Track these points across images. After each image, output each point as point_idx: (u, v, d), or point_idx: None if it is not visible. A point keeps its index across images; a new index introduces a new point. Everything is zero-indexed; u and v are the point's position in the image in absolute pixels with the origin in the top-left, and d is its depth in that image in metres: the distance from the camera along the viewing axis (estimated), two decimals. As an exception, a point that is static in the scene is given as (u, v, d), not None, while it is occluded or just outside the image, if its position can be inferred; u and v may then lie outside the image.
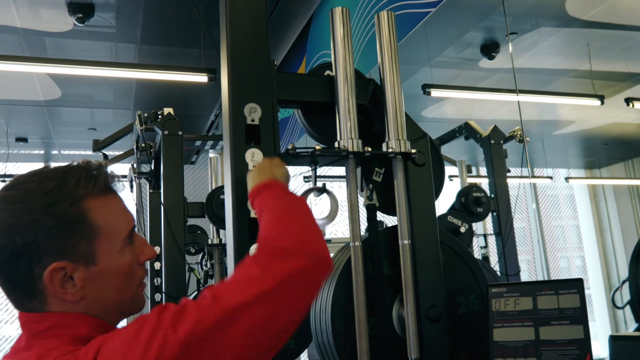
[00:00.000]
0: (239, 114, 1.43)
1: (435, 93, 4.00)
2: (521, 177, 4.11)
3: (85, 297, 0.87)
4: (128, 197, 7.13)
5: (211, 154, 6.23)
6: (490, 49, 4.15)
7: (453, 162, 4.34)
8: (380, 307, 1.52)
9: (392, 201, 1.52)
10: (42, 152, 6.75)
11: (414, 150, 1.49)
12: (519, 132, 3.59)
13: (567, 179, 6.81)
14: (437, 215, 1.69)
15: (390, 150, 1.47)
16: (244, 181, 1.39)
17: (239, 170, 1.39)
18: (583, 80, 4.64)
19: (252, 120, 1.43)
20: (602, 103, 4.28)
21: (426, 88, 3.92)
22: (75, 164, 0.91)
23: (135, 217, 1.07)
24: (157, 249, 3.90)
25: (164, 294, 2.81)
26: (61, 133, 6.06)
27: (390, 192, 1.53)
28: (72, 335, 0.85)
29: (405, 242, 1.48)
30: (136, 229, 0.98)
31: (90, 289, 0.87)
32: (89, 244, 0.87)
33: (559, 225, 7.14)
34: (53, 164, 0.93)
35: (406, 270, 1.48)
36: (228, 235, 1.41)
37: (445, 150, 4.16)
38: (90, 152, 6.69)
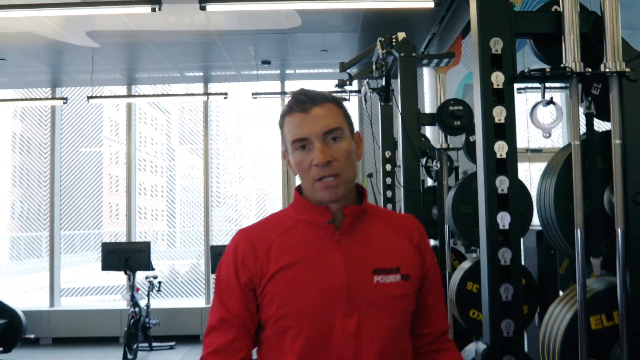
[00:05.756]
0: (486, 46, 1.94)
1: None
2: None
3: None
4: (355, 108, 8.00)
5: (425, 70, 6.74)
6: None
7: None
8: (594, 192, 1.98)
9: (607, 110, 1.93)
10: (278, 72, 7.82)
11: (628, 69, 1.87)
12: None
13: None
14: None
15: (607, 70, 1.87)
16: (491, 95, 1.92)
17: (487, 88, 1.92)
18: None
19: (496, 51, 1.93)
20: None
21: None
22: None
23: (333, 125, 1.35)
24: (387, 153, 4.62)
25: (402, 188, 3.48)
26: (297, 55, 6.98)
27: (606, 102, 1.94)
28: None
29: (617, 141, 1.90)
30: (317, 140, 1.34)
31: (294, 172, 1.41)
32: (286, 143, 1.39)
33: None
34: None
35: (617, 164, 1.91)
36: (478, 137, 1.97)
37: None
38: (320, 70, 7.63)
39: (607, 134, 1.96)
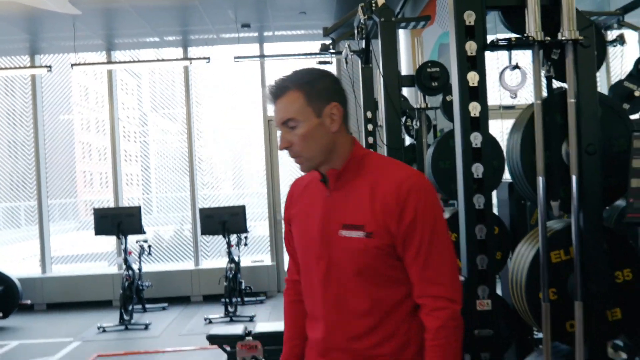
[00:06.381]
0: (461, 18, 2.20)
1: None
2: None
3: None
4: (335, 69, 8.11)
5: (400, 32, 6.93)
6: None
7: (637, 29, 4.58)
8: (554, 145, 2.28)
9: (564, 73, 2.22)
10: (256, 34, 7.94)
11: (581, 37, 2.16)
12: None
13: None
14: (616, 81, 2.31)
15: (563, 38, 2.15)
16: (466, 62, 2.19)
17: (462, 55, 2.20)
18: None
19: (470, 22, 2.20)
20: None
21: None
22: None
23: (286, 117, 1.55)
24: (369, 113, 4.88)
25: (385, 146, 3.76)
26: (276, 17, 7.11)
27: (563, 66, 2.22)
28: None
29: (572, 100, 2.19)
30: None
31: None
32: None
33: None
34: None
35: (571, 119, 2.21)
36: (455, 98, 2.25)
37: (631, 17, 4.40)
38: (298, 32, 7.76)
39: (564, 93, 2.25)
